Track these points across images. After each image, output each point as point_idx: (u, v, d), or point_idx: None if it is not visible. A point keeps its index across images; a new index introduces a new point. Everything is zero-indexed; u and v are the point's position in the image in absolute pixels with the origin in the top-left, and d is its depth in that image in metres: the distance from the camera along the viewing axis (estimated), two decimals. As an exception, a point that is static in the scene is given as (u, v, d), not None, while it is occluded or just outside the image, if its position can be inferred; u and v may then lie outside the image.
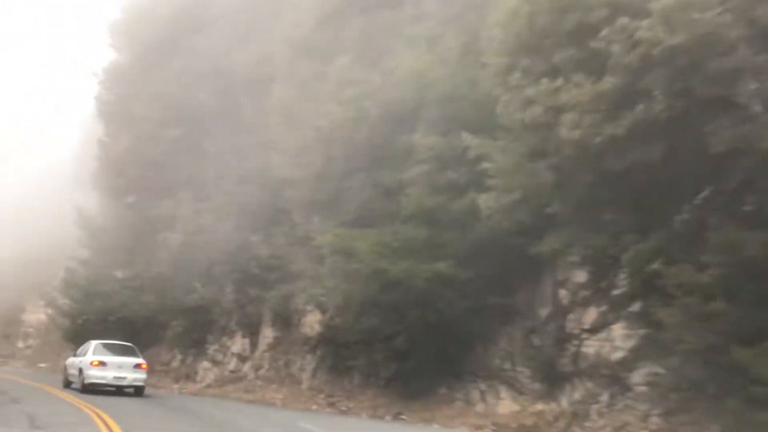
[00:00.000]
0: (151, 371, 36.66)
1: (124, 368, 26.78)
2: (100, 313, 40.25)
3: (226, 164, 32.30)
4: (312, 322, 29.44)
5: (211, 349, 35.07)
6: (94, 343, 28.45)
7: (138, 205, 36.86)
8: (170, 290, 34.62)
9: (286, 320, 31.24)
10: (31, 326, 63.23)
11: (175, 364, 38.30)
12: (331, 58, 25.51)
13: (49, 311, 47.83)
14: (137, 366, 27.06)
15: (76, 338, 39.80)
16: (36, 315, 60.50)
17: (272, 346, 31.80)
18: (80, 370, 27.21)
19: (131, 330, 38.54)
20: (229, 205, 31.51)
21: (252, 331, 32.99)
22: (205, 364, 34.89)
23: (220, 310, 33.86)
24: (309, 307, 29.34)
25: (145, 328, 39.04)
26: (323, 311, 28.70)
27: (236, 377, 32.38)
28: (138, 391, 26.86)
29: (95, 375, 26.45)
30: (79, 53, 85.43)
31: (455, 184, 22.03)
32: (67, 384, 28.96)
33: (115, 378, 26.55)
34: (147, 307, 37.93)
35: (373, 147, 24.45)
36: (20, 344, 62.90)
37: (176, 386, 33.93)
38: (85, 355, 27.69)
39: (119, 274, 40.83)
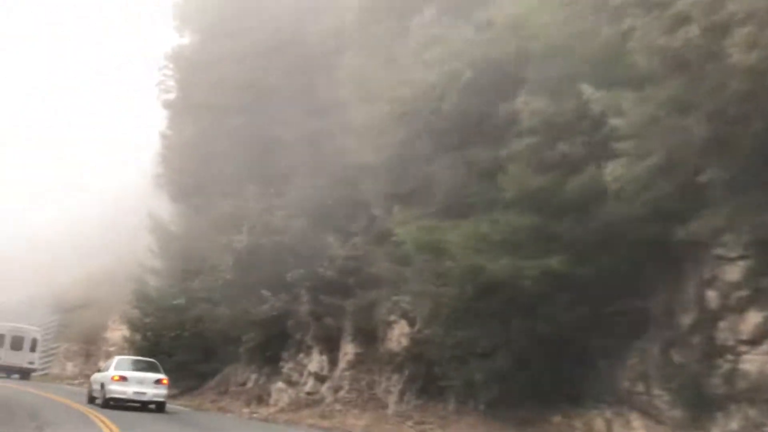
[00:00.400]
0: (224, 393, 35.49)
1: (145, 383, 27.36)
2: (172, 328, 38.60)
3: (297, 154, 29.05)
4: (398, 336, 26.23)
5: (286, 367, 31.97)
6: (117, 358, 29.71)
7: (204, 206, 33.71)
8: (239, 300, 31.26)
9: (368, 334, 27.99)
10: (114, 344, 62.15)
11: (250, 384, 35.28)
12: (411, 13, 21.54)
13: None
14: (158, 381, 27.60)
15: (148, 356, 37.53)
16: (118, 333, 59.38)
17: (353, 364, 28.61)
18: (102, 385, 27.79)
19: (206, 347, 37.09)
20: (301, 200, 28.48)
21: (330, 347, 29.79)
22: (279, 384, 31.75)
23: (295, 323, 30.80)
24: (394, 318, 26.00)
25: (222, 345, 36.68)
26: (410, 322, 25.35)
27: (313, 400, 29.20)
28: (159, 407, 27.37)
29: (116, 390, 26.98)
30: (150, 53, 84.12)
31: (570, 158, 18.14)
32: (91, 399, 29.17)
33: (136, 393, 27.07)
34: (221, 321, 35.31)
35: (466, 119, 20.70)
36: (101, 364, 61.32)
37: (246, 410, 30.81)
38: (107, 370, 28.45)
39: (194, 284, 37.92)
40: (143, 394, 27.12)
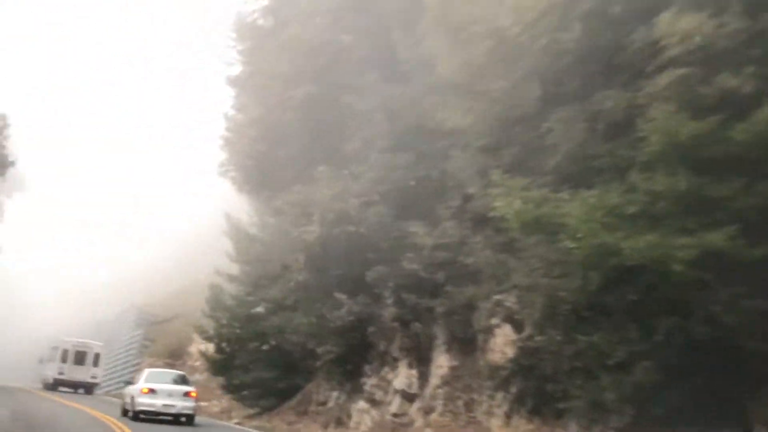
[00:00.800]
0: (303, 413, 32.45)
1: (174, 396, 27.93)
2: (250, 340, 35.86)
3: (374, 126, 25.11)
4: (502, 344, 22.13)
5: (368, 384, 27.98)
6: (147, 371, 30.85)
7: (273, 197, 29.88)
8: (314, 306, 27.39)
9: (465, 342, 23.94)
10: (198, 359, 60.83)
11: (331, 404, 31.44)
12: None
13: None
14: (186, 394, 28.19)
15: (224, 371, 37.26)
16: (203, 347, 58.34)
17: (448, 380, 24.56)
18: (132, 398, 28.42)
19: (286, 361, 34.19)
20: (380, 182, 24.57)
21: (420, 359, 25.71)
22: (361, 404, 27.94)
23: (377, 331, 26.78)
24: (496, 321, 21.84)
25: (302, 359, 33.26)
26: (517, 327, 21.19)
27: (399, 423, 25.54)
28: (189, 420, 27.96)
29: (145, 402, 27.45)
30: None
31: (736, 94, 13.79)
32: (124, 413, 29.50)
33: (164, 406, 27.58)
34: (298, 331, 31.82)
35: (590, 54, 16.28)
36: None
37: (323, 434, 26.90)
38: (137, 382, 29.24)
39: (272, 291, 34.85)
40: (172, 406, 27.67)
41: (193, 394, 28.31)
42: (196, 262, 56.13)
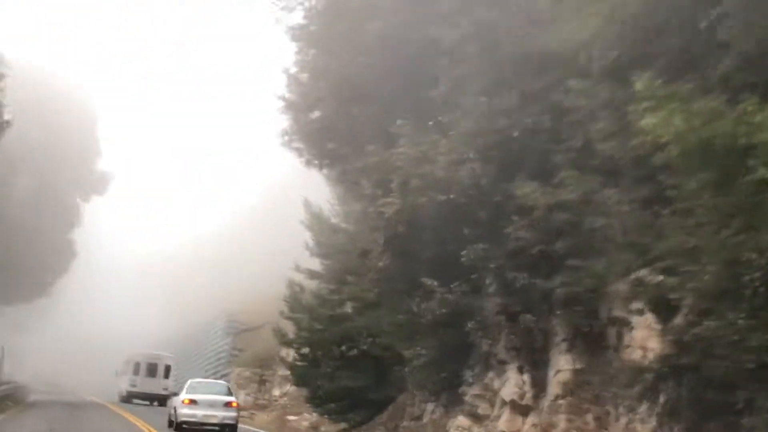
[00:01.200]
0: (395, 430, 30.63)
1: (215, 407, 28.52)
2: (334, 343, 33.51)
3: (465, 63, 20.11)
4: (643, 337, 17.23)
5: (469, 394, 23.40)
6: (189, 381, 31.10)
7: (346, 170, 25.53)
8: (398, 297, 22.95)
9: (593, 337, 19.10)
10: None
11: (426, 419, 27.46)
12: None
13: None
14: (227, 404, 28.94)
15: (307, 380, 34.99)
16: (284, 352, 56.78)
17: (571, 388, 19.79)
18: (175, 409, 29.38)
19: (378, 368, 31.72)
20: (476, 134, 19.52)
21: (534, 361, 21.03)
22: (460, 419, 23.51)
23: (478, 326, 21.98)
24: (636, 306, 16.65)
25: (394, 365, 29.99)
26: (666, 313, 15.88)
27: None
28: (232, 430, 28.62)
29: (186, 413, 28.24)
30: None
31: None
32: (170, 424, 30.31)
33: (205, 416, 28.22)
34: (382, 330, 29.34)
35: None
36: (276, 392, 57.40)
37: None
38: (180, 393, 30.10)
39: (356, 287, 32.44)
40: (213, 416, 28.33)
41: (235, 404, 29.37)
42: (286, 265, 55.14)
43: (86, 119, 67.26)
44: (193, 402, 28.30)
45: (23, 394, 52.12)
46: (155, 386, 52.46)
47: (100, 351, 77.53)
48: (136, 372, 53.23)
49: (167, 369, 54.44)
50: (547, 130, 18.37)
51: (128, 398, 52.30)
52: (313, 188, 37.33)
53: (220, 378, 55.65)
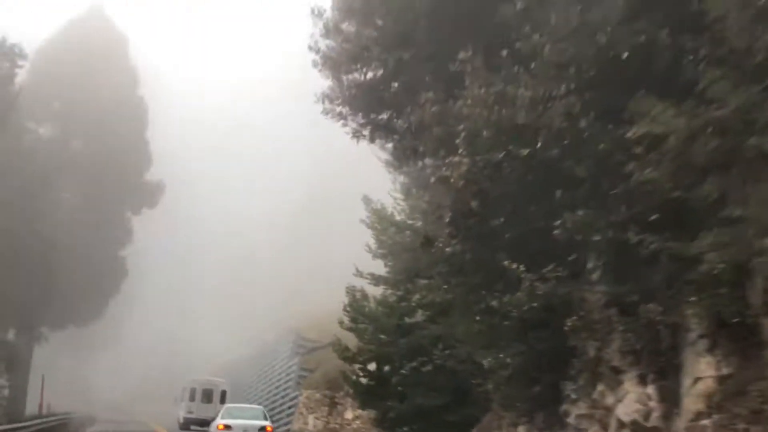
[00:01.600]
0: None
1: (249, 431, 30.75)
2: (403, 356, 30.54)
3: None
4: None
5: (574, 413, 18.68)
6: (225, 406, 34.93)
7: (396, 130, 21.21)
8: (471, 292, 18.54)
9: (742, 332, 14.25)
10: None
11: None
12: None
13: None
14: (262, 429, 31.21)
15: (374, 400, 31.90)
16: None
17: (718, 402, 14.81)
18: None
19: (456, 385, 28.28)
20: (566, 63, 14.60)
21: (661, 367, 16.14)
22: None
23: (581, 323, 17.20)
24: None
25: (474, 382, 26.27)
26: None
27: None
28: None
29: None
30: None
31: None
32: None
33: None
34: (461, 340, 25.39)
35: None
36: (348, 415, 54.13)
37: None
38: (216, 419, 32.51)
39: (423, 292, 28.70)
40: None
41: (269, 429, 31.45)
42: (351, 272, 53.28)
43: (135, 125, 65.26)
44: (227, 428, 30.50)
45: (76, 425, 52.89)
46: (211, 412, 52.26)
47: (166, 376, 77.21)
48: (192, 398, 54.93)
49: (223, 394, 55.87)
50: (669, 47, 13.46)
51: (186, 425, 53.86)
52: (373, 184, 35.21)
53: (290, 402, 58.08)
